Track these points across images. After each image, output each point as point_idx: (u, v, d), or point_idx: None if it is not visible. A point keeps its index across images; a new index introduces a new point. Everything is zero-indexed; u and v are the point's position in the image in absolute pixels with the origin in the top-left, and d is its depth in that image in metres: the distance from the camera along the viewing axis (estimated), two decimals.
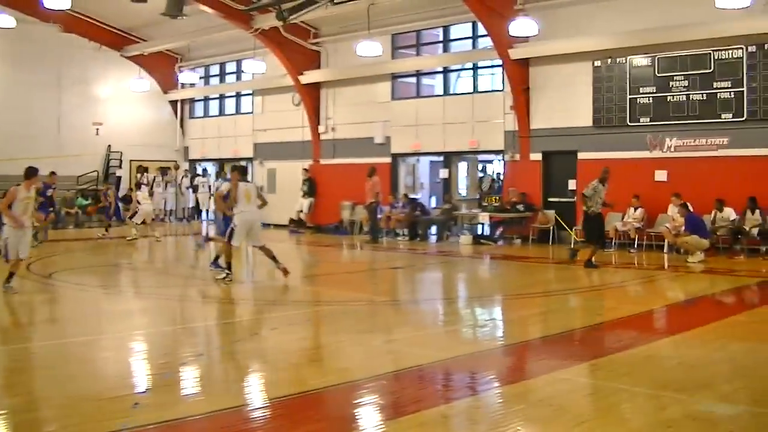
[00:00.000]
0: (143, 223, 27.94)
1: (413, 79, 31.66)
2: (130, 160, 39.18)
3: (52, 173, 26.99)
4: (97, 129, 38.23)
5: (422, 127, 30.04)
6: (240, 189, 16.86)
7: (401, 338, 11.84)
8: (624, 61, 24.60)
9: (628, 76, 24.54)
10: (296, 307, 14.55)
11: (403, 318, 13.96)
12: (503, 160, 28.42)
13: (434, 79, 31.82)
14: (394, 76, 31.50)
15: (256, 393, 8.78)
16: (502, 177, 29.48)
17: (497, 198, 28.12)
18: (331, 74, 32.94)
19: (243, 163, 29.88)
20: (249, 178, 27.76)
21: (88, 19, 37.07)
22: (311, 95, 33.48)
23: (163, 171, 38.09)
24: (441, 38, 30.37)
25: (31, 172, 15.82)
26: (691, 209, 21.79)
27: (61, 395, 8.28)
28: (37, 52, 36.06)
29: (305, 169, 33.27)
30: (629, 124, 24.46)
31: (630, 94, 24.45)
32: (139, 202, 28.26)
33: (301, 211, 32.93)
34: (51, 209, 26.94)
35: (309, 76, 33.07)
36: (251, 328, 12.87)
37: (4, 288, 14.86)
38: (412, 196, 30.07)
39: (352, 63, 31.38)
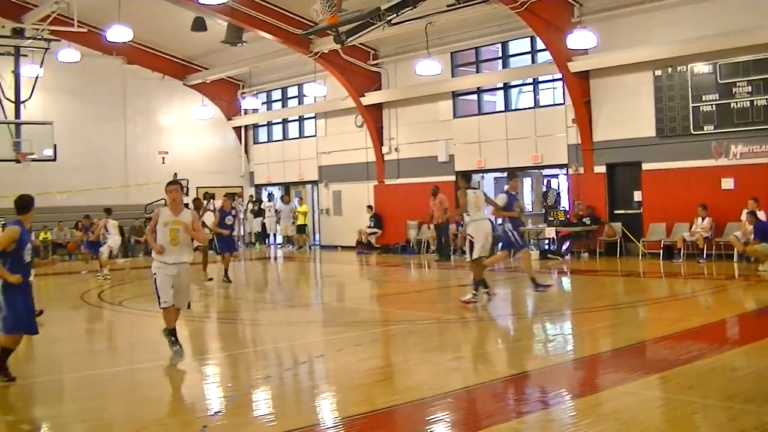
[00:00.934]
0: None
1: (474, 96, 31.63)
2: (197, 187, 39.60)
3: (229, 195, 26.79)
4: (163, 158, 38.78)
5: (485, 143, 30.02)
6: (469, 197, 16.39)
7: (470, 355, 11.88)
8: (685, 69, 24.38)
9: (689, 84, 24.31)
10: (364, 327, 14.60)
11: (471, 335, 13.96)
12: (567, 173, 28.30)
13: (495, 95, 31.84)
14: (455, 94, 31.54)
15: (326, 413, 8.87)
16: (565, 191, 29.34)
17: (563, 212, 27.95)
18: (391, 94, 33.09)
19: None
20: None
21: (150, 50, 37.72)
22: (373, 116, 33.63)
23: (231, 197, 38.41)
24: (500, 54, 30.39)
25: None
26: (763, 217, 21.42)
27: (130, 420, 8.44)
28: (102, 84, 36.78)
29: (370, 207, 33.56)
30: (693, 132, 24.20)
31: (692, 103, 24.21)
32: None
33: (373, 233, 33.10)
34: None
35: (370, 97, 33.25)
36: (319, 349, 12.96)
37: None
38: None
39: (412, 82, 31.51)
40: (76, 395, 10.10)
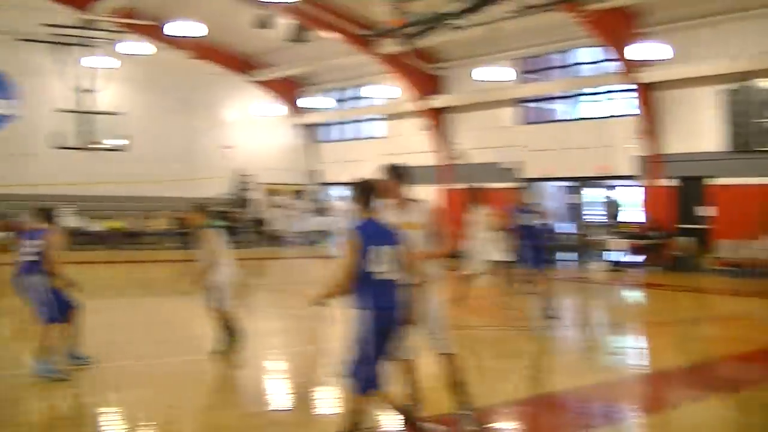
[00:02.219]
0: None
1: (538, 104, 31.48)
2: (262, 183, 39.83)
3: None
4: (228, 152, 39.05)
5: (548, 152, 29.82)
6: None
7: (535, 364, 11.82)
8: (757, 83, 24.01)
9: (761, 98, 23.93)
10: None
11: (537, 344, 13.87)
12: (634, 185, 28.02)
13: (560, 103, 31.66)
14: (519, 101, 31.41)
15: (387, 415, 8.87)
16: (628, 203, 29.06)
17: (632, 224, 27.67)
18: (455, 99, 33.04)
19: None
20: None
21: (216, 46, 38.00)
22: (437, 120, 33.61)
23: (296, 194, 38.79)
24: (566, 62, 30.22)
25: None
26: None
27: (201, 409, 8.52)
28: (170, 78, 37.15)
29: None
30: (763, 149, 23.80)
31: (764, 118, 23.82)
32: None
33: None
34: None
35: (433, 101, 33.22)
36: None
37: None
38: (540, 221, 29.77)
39: (476, 88, 31.36)
40: (145, 382, 10.26)
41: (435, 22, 25.34)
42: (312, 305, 7.36)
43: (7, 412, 8.59)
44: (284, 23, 31.50)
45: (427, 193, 33.17)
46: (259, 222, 37.84)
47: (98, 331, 12.38)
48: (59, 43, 31.48)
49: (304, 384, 10.16)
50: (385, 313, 7.14)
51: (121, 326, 13.98)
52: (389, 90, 34.16)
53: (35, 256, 10.16)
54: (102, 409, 8.84)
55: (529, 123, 31.23)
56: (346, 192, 38.82)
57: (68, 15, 31.71)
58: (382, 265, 7.08)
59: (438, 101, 33.27)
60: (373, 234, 7.21)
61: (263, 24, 31.57)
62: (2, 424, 8.11)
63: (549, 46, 29.54)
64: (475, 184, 19.13)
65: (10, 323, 14.42)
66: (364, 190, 7.43)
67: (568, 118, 30.53)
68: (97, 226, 32.98)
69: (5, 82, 34.05)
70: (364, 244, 7.08)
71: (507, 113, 31.54)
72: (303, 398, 9.27)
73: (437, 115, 33.63)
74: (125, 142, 31.13)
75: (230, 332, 11.36)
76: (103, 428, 8.29)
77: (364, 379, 7.08)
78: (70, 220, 30.76)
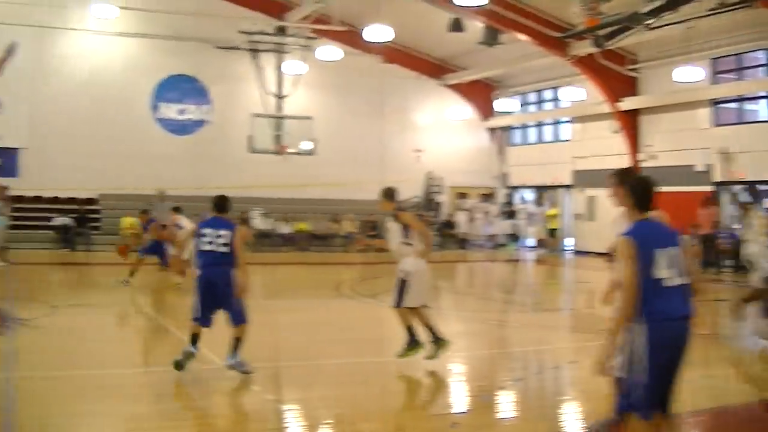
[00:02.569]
0: None
1: (735, 105, 30.45)
2: (451, 186, 40.14)
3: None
4: (418, 156, 39.48)
5: (745, 154, 28.79)
6: None
7: (721, 374, 11.48)
8: None
9: None
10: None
11: (724, 353, 13.49)
12: None
13: (758, 104, 30.50)
14: (715, 102, 30.47)
15: (571, 421, 8.83)
16: None
17: None
18: (648, 101, 32.29)
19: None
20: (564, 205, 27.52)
21: (408, 50, 38.48)
22: (629, 122, 32.95)
23: (484, 197, 38.86)
24: (765, 61, 29.08)
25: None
26: None
27: (382, 410, 8.67)
28: (361, 82, 37.79)
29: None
30: None
31: None
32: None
33: None
34: None
35: (626, 103, 32.61)
36: (570, 355, 12.89)
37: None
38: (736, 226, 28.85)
39: (670, 89, 30.58)
40: (328, 382, 10.51)
41: (628, 21, 24.95)
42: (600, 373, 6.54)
43: (196, 405, 8.96)
44: (476, 26, 31.66)
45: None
46: (448, 225, 38.04)
47: (286, 330, 12.76)
48: (255, 50, 32.52)
49: (486, 387, 10.18)
50: (675, 323, 6.25)
51: (308, 326, 14.31)
52: (580, 92, 33.80)
53: (225, 248, 10.09)
54: (286, 407, 9.09)
55: (724, 124, 30.18)
56: (533, 195, 38.73)
57: (264, 23, 32.78)
58: (667, 270, 6.18)
59: (630, 102, 32.64)
60: (651, 236, 6.31)
61: (456, 27, 31.81)
62: (188, 416, 8.45)
63: (747, 44, 28.48)
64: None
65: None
66: (638, 188, 6.50)
67: None
68: (285, 228, 33.87)
69: (200, 88, 35.56)
70: (643, 248, 6.18)
71: (701, 114, 30.61)
72: (485, 402, 9.30)
73: (629, 117, 32.99)
74: (312, 145, 31.79)
75: (430, 332, 11.17)
76: (287, 425, 8.53)
77: (648, 403, 6.28)
78: (258, 222, 31.77)
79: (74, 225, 31.28)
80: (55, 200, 32.81)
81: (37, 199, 32.44)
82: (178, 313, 13.29)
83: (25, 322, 13.44)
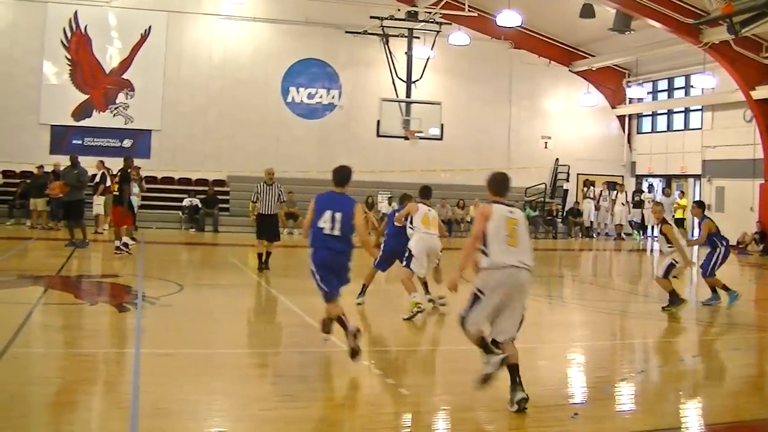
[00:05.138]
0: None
1: None
2: (577, 174, 39.80)
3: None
4: (546, 142, 39.25)
5: None
6: None
7: None
8: None
9: None
10: (742, 331, 14.08)
11: None
12: None
13: None
14: None
15: (692, 416, 8.73)
16: None
17: None
18: None
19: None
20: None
21: (538, 36, 38.26)
22: (764, 111, 32.07)
23: (610, 185, 38.40)
24: None
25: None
26: None
27: (500, 398, 8.69)
28: (489, 67, 37.81)
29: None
30: None
31: None
32: None
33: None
34: None
35: (761, 92, 31.76)
36: (693, 349, 12.72)
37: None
38: None
39: None
40: (446, 368, 10.65)
41: (766, 8, 24.32)
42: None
43: (316, 386, 9.12)
44: (608, 12, 31.29)
45: (747, 188, 31.96)
46: (574, 213, 37.71)
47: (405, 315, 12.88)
48: (385, 35, 32.77)
49: (607, 378, 10.13)
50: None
51: (426, 312, 14.38)
52: (712, 80, 33.08)
53: None
54: (404, 391, 9.16)
55: None
56: (660, 184, 38.09)
57: (395, 8, 32.98)
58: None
59: (765, 91, 31.76)
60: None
61: (587, 13, 31.49)
62: (308, 398, 8.60)
63: None
64: None
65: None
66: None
67: None
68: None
69: (330, 73, 35.97)
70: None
71: None
72: (606, 393, 9.25)
73: (763, 105, 32.09)
74: (440, 131, 31.82)
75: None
76: (404, 410, 8.61)
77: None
78: (383, 206, 31.98)
79: (203, 206, 32.02)
80: (186, 181, 33.69)
81: (168, 180, 33.37)
82: (302, 294, 13.51)
83: (152, 300, 13.86)
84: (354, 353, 9.59)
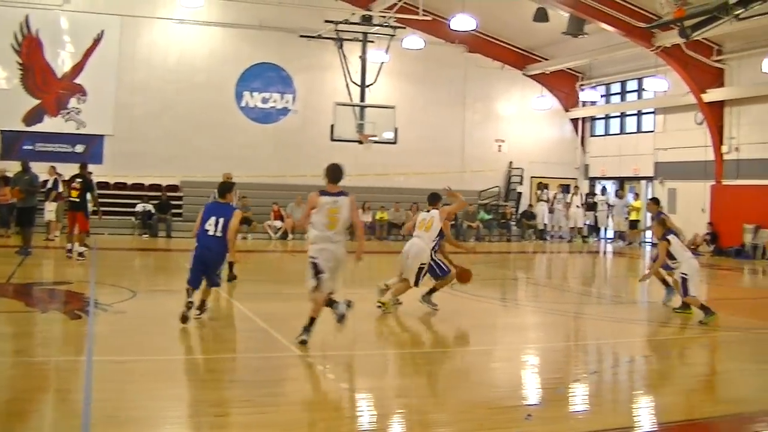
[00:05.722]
0: None
1: None
2: (531, 177, 40.00)
3: None
4: (500, 146, 39.41)
5: None
6: None
7: None
8: None
9: None
10: (694, 331, 14.19)
11: None
12: None
13: None
14: None
15: (644, 416, 8.79)
16: None
17: None
18: (735, 92, 31.73)
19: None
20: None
21: (492, 39, 38.41)
22: (714, 113, 32.41)
23: (565, 188, 38.67)
24: None
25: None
26: None
27: (455, 400, 8.71)
28: (444, 71, 37.91)
29: None
30: None
31: None
32: None
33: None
34: None
35: (712, 94, 32.12)
36: (646, 349, 12.81)
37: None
38: None
39: (757, 80, 30.01)
40: (400, 371, 10.64)
41: (717, 12, 24.56)
42: None
43: (271, 392, 9.07)
44: (561, 16, 31.50)
45: (698, 190, 32.29)
46: (528, 216, 37.90)
47: (361, 319, 12.85)
48: (339, 39, 32.76)
49: (561, 380, 10.18)
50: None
51: (383, 315, 14.37)
52: (664, 83, 33.40)
53: None
54: (359, 395, 9.17)
55: None
56: (613, 186, 38.39)
57: (349, 12, 32.98)
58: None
59: (716, 94, 32.13)
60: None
61: (541, 17, 31.67)
62: (264, 403, 8.56)
63: None
64: None
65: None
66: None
67: None
68: (365, 217, 33.88)
69: (285, 77, 35.89)
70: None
71: None
72: (559, 394, 9.29)
73: (714, 108, 32.44)
74: (394, 134, 31.82)
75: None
76: (359, 414, 8.61)
77: None
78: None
79: (156, 211, 31.79)
80: (139, 187, 33.39)
81: (121, 185, 33.09)
82: (257, 300, 13.45)
83: (105, 306, 13.73)
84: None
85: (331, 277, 11.04)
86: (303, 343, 10.70)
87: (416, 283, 14.07)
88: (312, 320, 10.87)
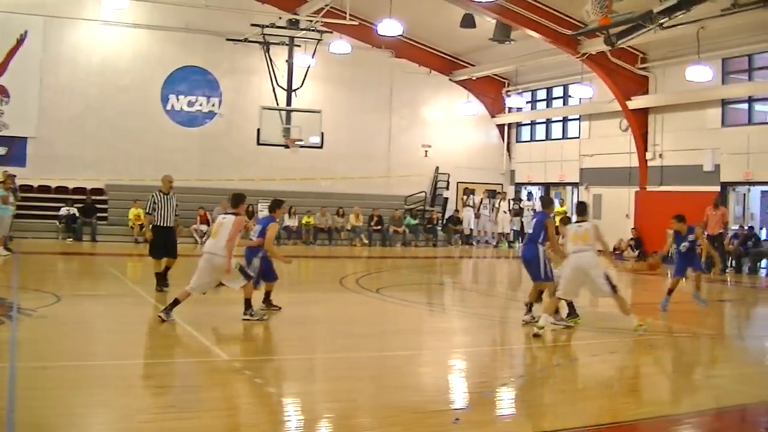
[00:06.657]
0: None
1: (745, 106, 30.31)
2: (457, 182, 40.16)
3: None
4: (426, 151, 39.53)
5: (754, 155, 28.69)
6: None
7: (725, 374, 11.45)
8: None
9: None
10: (619, 335, 14.28)
11: (728, 353, 13.48)
12: None
13: (767, 105, 30.37)
14: (725, 102, 30.35)
15: (571, 418, 8.81)
16: None
17: None
18: (659, 99, 32.24)
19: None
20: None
21: (419, 45, 38.53)
22: (639, 121, 32.87)
23: (491, 193, 38.90)
24: None
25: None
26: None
27: (383, 404, 8.65)
28: (370, 76, 37.99)
29: None
30: None
31: None
32: None
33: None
34: None
35: (636, 102, 32.57)
36: (572, 353, 12.89)
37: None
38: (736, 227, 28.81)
39: (681, 88, 30.49)
40: (328, 375, 10.53)
41: (641, 20, 24.86)
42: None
43: (199, 397, 8.94)
44: (488, 22, 31.67)
45: (623, 196, 32.71)
46: (454, 221, 38.05)
47: (289, 324, 12.77)
48: (266, 43, 32.56)
49: (488, 384, 10.18)
50: None
51: (310, 320, 14.28)
52: (590, 90, 33.77)
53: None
54: (287, 400, 9.10)
55: (734, 125, 30.03)
56: (539, 192, 38.71)
57: (276, 16, 32.76)
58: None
59: (640, 101, 32.58)
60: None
61: (468, 23, 31.81)
62: (191, 408, 8.44)
63: (757, 45, 28.30)
64: None
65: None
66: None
67: None
68: (291, 222, 33.73)
69: (211, 81, 35.60)
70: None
71: (711, 114, 30.50)
72: (487, 398, 9.28)
73: (638, 115, 32.90)
74: (320, 139, 31.69)
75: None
76: (286, 419, 8.52)
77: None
78: (264, 214, 31.66)
79: (81, 215, 31.25)
80: (63, 190, 32.81)
81: (45, 188, 32.47)
82: (182, 304, 13.23)
83: (28, 311, 13.44)
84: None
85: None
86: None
87: (614, 290, 13.53)
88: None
